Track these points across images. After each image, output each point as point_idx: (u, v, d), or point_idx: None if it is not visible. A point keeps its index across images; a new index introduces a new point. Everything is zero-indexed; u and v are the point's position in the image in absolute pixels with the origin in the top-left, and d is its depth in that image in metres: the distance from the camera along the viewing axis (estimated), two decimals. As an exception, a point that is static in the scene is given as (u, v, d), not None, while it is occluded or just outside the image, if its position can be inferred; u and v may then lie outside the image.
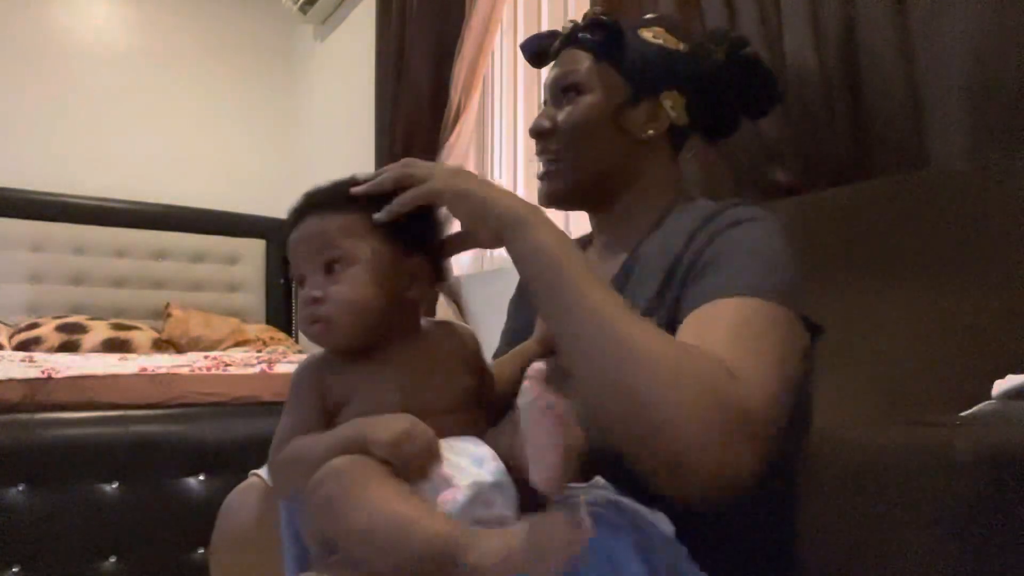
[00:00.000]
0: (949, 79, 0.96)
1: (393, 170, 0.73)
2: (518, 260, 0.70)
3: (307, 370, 0.74)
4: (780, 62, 1.16)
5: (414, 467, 0.61)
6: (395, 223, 0.72)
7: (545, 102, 0.94)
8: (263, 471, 0.88)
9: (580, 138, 0.87)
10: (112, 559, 1.70)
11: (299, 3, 3.20)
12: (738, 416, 0.58)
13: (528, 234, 0.68)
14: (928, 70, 0.99)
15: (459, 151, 2.24)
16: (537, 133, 0.90)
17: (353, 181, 0.76)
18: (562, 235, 0.70)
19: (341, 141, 3.13)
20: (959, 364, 0.82)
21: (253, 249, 3.33)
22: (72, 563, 1.67)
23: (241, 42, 3.55)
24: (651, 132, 0.87)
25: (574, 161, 0.88)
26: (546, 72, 0.96)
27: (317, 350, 0.76)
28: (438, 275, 0.76)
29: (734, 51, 0.89)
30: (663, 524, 0.65)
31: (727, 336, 0.64)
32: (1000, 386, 0.56)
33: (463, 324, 0.81)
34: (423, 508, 0.56)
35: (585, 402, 0.63)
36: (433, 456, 0.62)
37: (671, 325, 0.71)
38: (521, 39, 2.26)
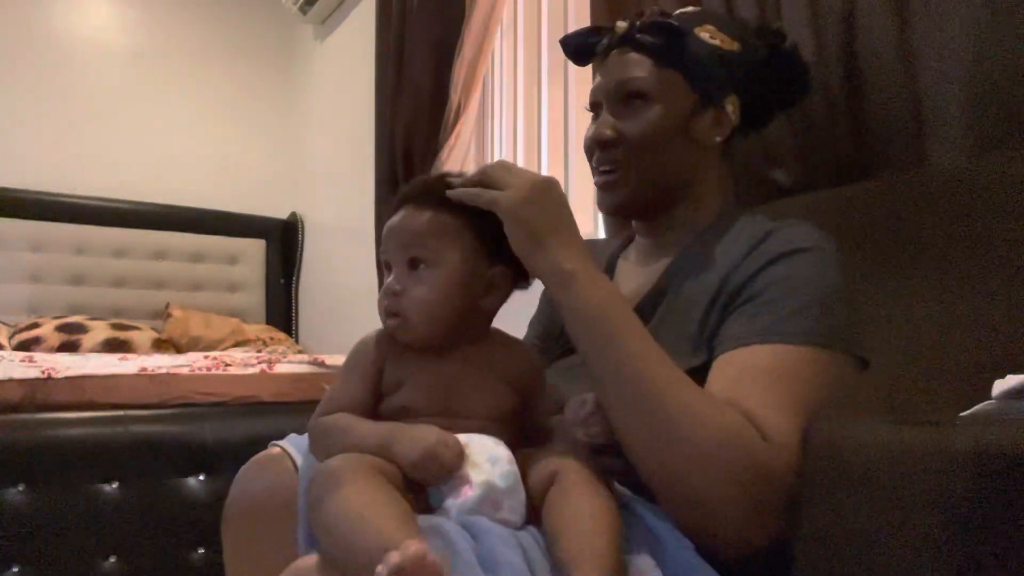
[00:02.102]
0: (949, 79, 0.95)
1: (486, 168, 0.73)
2: (565, 314, 0.70)
3: (370, 344, 0.74)
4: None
5: (441, 481, 0.62)
6: (485, 230, 0.72)
7: (596, 106, 0.89)
8: (283, 442, 0.88)
9: (651, 150, 0.84)
10: (112, 559, 1.70)
11: (299, 3, 3.20)
12: (771, 490, 0.61)
13: (576, 291, 0.68)
14: (928, 70, 0.99)
15: (459, 151, 2.24)
16: (601, 143, 0.86)
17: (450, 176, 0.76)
18: (611, 290, 0.70)
19: (341, 141, 3.13)
20: (959, 364, 0.82)
21: (253, 249, 3.33)
22: (72, 563, 1.67)
23: (241, 42, 3.55)
24: (718, 139, 0.85)
25: (643, 173, 0.85)
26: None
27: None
28: (517, 284, 0.76)
29: (776, 46, 0.88)
30: (667, 518, 0.66)
31: (765, 391, 0.65)
32: (1000, 386, 0.56)
33: (526, 344, 0.80)
34: (393, 521, 0.54)
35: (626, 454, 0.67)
36: (454, 472, 0.63)
37: (711, 342, 0.73)
38: (521, 39, 2.27)
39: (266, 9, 3.53)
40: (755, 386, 0.66)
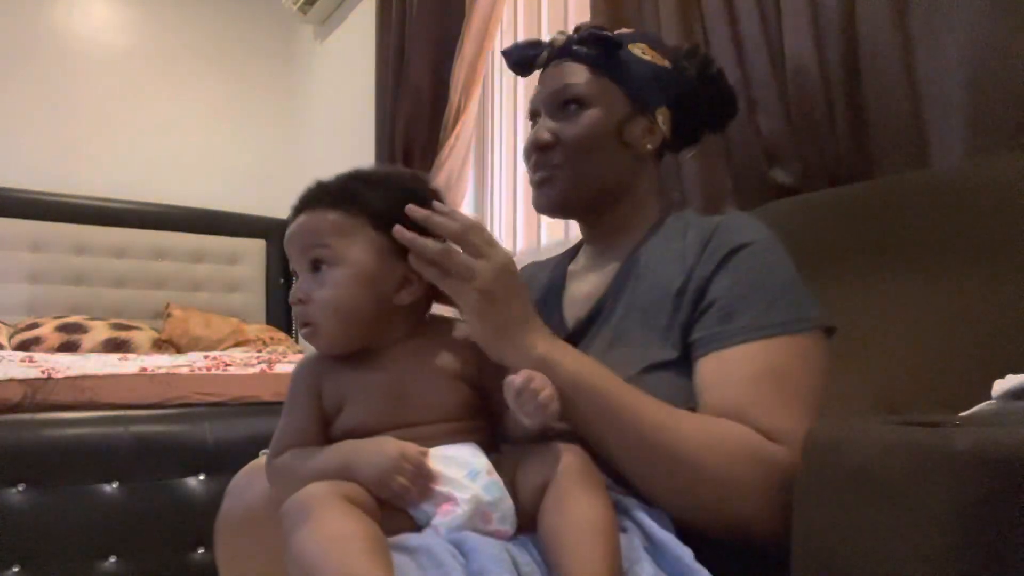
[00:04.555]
0: (949, 79, 0.96)
1: (451, 251, 0.69)
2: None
3: (303, 371, 0.73)
4: (780, 62, 1.16)
5: (407, 498, 0.61)
6: (388, 222, 0.69)
7: (535, 114, 0.93)
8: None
9: (586, 152, 0.87)
10: (112, 559, 1.70)
11: (299, 3, 3.20)
12: (787, 490, 0.62)
13: (559, 369, 0.69)
14: (928, 70, 0.99)
15: (459, 151, 2.24)
16: (539, 147, 0.89)
17: (356, 174, 0.75)
18: (584, 358, 0.72)
19: (341, 141, 3.13)
20: (959, 364, 0.82)
21: (253, 249, 3.33)
22: (72, 563, 1.67)
23: (241, 42, 3.55)
24: (649, 146, 0.89)
25: (577, 174, 0.88)
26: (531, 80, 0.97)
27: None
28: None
29: (704, 69, 0.92)
30: (666, 523, 0.66)
31: (771, 394, 0.69)
32: (1000, 386, 0.56)
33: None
34: (361, 556, 0.53)
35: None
36: (425, 484, 0.61)
37: (685, 338, 0.75)
38: (521, 39, 2.27)
39: (266, 9, 3.54)
40: (760, 390, 0.69)
